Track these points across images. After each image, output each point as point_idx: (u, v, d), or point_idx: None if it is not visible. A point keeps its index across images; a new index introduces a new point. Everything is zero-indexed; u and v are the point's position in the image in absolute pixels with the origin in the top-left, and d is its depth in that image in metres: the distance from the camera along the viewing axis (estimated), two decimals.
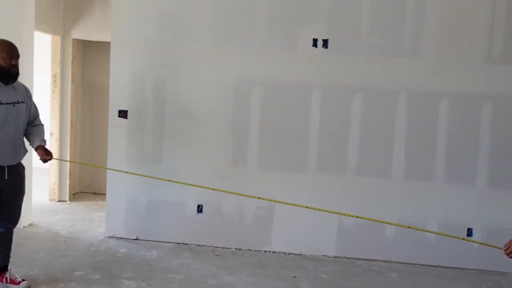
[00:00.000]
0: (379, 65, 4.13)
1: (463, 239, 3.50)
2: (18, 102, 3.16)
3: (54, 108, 5.52)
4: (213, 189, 3.64)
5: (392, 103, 4.15)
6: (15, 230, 4.41)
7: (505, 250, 2.34)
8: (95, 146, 6.07)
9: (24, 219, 4.59)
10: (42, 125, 3.41)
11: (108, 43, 5.02)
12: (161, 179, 3.87)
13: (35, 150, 3.28)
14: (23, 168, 3.33)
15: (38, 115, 3.40)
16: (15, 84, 3.17)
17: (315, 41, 4.15)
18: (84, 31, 5.53)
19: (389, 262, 4.21)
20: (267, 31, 4.19)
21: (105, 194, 4.69)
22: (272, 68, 4.21)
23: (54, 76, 5.48)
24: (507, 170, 4.08)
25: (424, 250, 4.16)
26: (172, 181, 3.72)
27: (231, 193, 3.72)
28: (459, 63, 4.07)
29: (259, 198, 3.55)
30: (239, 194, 3.59)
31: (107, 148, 4.43)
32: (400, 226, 3.81)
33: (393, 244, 4.20)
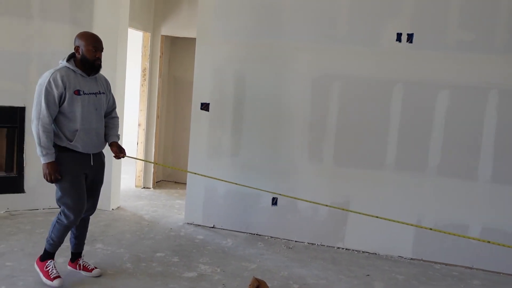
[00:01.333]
0: (468, 62, 3.91)
1: None
2: (100, 93, 3.22)
3: (142, 100, 5.88)
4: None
5: (481, 101, 3.91)
6: (105, 211, 4.82)
7: None
8: (178, 136, 6.38)
9: (114, 202, 4.98)
10: (118, 117, 3.48)
11: (193, 39, 5.25)
12: (215, 179, 3.96)
13: (109, 145, 3.32)
14: (104, 156, 3.41)
15: (115, 107, 3.46)
16: (96, 75, 3.26)
17: (399, 36, 4.03)
18: (172, 28, 5.83)
19: (471, 268, 3.98)
20: (349, 24, 4.13)
21: (185, 183, 4.93)
22: (352, 63, 4.15)
23: (143, 70, 5.83)
24: None
25: None
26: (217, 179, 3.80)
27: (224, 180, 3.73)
28: None
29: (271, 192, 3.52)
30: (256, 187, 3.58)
31: (189, 139, 4.65)
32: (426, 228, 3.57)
33: (476, 249, 3.97)
